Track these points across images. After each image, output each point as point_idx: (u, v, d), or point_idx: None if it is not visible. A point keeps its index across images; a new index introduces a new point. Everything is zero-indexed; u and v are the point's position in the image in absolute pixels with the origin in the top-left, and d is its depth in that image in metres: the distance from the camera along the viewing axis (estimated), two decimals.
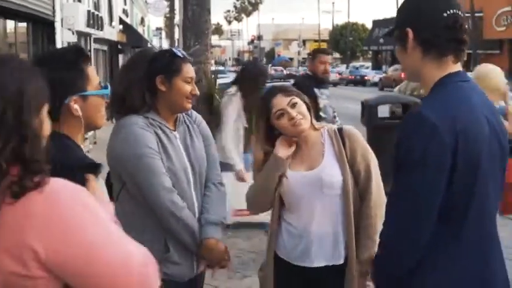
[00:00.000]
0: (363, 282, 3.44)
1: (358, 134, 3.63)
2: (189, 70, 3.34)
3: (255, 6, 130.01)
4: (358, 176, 3.52)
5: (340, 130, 3.62)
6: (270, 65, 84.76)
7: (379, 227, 3.30)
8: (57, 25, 13.70)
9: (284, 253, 3.61)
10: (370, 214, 3.47)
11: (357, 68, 68.80)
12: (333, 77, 60.25)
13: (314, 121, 3.62)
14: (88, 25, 16.71)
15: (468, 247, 2.35)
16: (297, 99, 3.52)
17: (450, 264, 2.34)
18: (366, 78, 60.41)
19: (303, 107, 3.52)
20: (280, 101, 3.50)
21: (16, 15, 12.51)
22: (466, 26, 2.41)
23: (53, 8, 13.55)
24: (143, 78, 3.29)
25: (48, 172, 1.81)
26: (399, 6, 2.59)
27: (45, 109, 1.89)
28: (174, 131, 3.40)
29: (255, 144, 3.63)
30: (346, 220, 3.49)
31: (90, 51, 19.26)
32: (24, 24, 13.40)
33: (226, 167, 6.32)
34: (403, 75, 53.97)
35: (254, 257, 7.21)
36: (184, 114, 3.48)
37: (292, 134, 3.53)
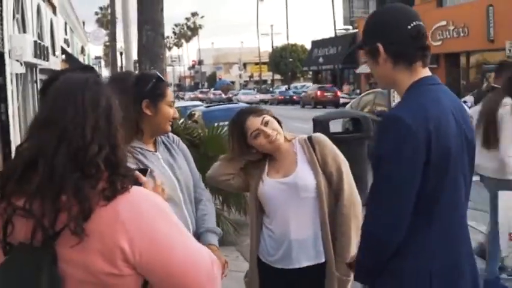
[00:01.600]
0: (343, 277, 3.66)
1: (327, 140, 3.86)
2: (171, 94, 3.41)
3: (194, 32, 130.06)
4: (331, 178, 3.74)
5: (309, 138, 3.84)
6: (212, 89, 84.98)
7: (353, 224, 3.58)
8: (6, 56, 13.60)
9: (266, 257, 3.81)
10: (344, 212, 3.70)
11: (298, 89, 69.68)
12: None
13: (286, 133, 3.84)
14: (35, 56, 16.59)
15: (439, 234, 2.61)
16: (268, 117, 3.75)
17: (422, 250, 2.59)
18: (294, 98, 61.88)
19: (275, 123, 3.76)
20: (254, 122, 3.72)
21: None
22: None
23: (1, 39, 13.46)
24: (134, 102, 3.28)
25: (131, 177, 2.03)
26: (365, 24, 2.84)
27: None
28: (155, 152, 3.43)
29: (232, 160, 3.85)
30: (322, 220, 3.70)
31: (36, 82, 19.09)
32: None
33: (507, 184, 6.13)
34: (319, 93, 55.34)
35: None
36: (162, 136, 3.53)
37: (270, 150, 3.78)
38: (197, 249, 2.05)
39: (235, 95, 72.06)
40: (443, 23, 40.65)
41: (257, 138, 3.70)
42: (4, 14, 13.71)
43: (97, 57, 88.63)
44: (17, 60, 14.71)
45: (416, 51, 2.68)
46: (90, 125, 1.99)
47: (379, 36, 2.70)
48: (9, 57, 14.41)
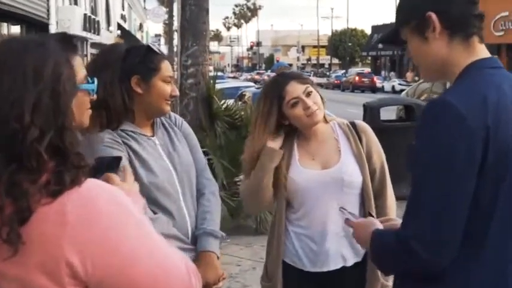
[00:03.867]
0: (384, 281, 3.25)
1: (372, 131, 3.41)
2: (168, 68, 2.96)
3: (253, 13, 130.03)
4: (373, 176, 3.31)
5: (353, 125, 3.37)
6: (268, 71, 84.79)
7: None
8: (52, 28, 13.45)
9: (295, 260, 3.33)
10: (387, 214, 3.25)
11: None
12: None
13: (327, 113, 3.36)
14: (84, 29, 16.49)
15: (490, 263, 2.07)
16: (311, 88, 3.26)
17: (465, 283, 2.05)
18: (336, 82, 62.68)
19: (317, 97, 3.26)
20: (295, 89, 3.23)
21: (10, 17, 12.28)
22: None
23: (48, 10, 13.32)
24: (120, 79, 2.87)
25: (88, 169, 1.61)
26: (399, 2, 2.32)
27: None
28: (152, 136, 3.00)
29: (257, 136, 3.25)
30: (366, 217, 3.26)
31: (86, 55, 19.02)
32: (18, 27, 13.17)
33: None
34: (357, 78, 55.84)
35: (254, 265, 6.94)
36: (162, 117, 3.09)
37: (306, 125, 3.27)
38: (169, 257, 1.64)
39: None
40: (506, 13, 39.30)
41: (294, 107, 3.21)
42: None
43: (157, 35, 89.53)
44: None
45: (473, 20, 2.14)
46: (30, 101, 1.56)
47: (430, 2, 2.16)
48: (57, 28, 14.29)
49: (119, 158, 2.00)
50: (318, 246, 3.27)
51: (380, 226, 2.35)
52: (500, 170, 2.01)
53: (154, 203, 2.82)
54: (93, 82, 2.18)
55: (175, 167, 2.97)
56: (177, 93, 3.00)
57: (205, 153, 8.33)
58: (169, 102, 2.95)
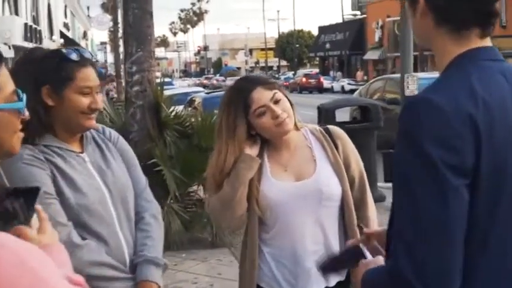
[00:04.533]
0: None
1: (347, 136, 3.08)
2: (87, 77, 2.59)
3: (200, 17, 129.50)
4: (352, 185, 3.00)
5: (327, 130, 3.05)
6: (217, 75, 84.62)
7: None
8: None
9: (273, 284, 2.97)
10: (369, 226, 2.97)
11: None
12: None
13: (297, 119, 3.01)
14: (25, 39, 15.92)
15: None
16: (280, 94, 2.91)
17: None
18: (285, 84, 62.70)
19: (286, 103, 2.92)
20: (262, 96, 2.88)
21: None
22: None
23: None
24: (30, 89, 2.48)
25: None
26: None
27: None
28: (81, 153, 2.67)
29: (224, 151, 2.90)
30: (348, 233, 2.96)
31: None
32: None
33: None
34: (304, 79, 56.51)
35: (212, 282, 6.55)
36: (93, 131, 2.76)
37: (275, 135, 2.93)
38: None
39: None
40: None
41: (261, 117, 2.86)
42: None
43: (102, 43, 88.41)
44: (5, 44, 14.03)
45: (471, 13, 1.76)
46: None
47: None
48: None
49: (36, 190, 1.59)
50: (297, 267, 2.92)
51: (372, 263, 1.98)
52: (495, 179, 1.66)
53: (83, 228, 2.53)
54: (22, 99, 1.79)
55: (109, 186, 2.66)
56: (99, 106, 2.61)
57: (155, 164, 8.03)
58: (90, 115, 2.60)
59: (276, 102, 2.88)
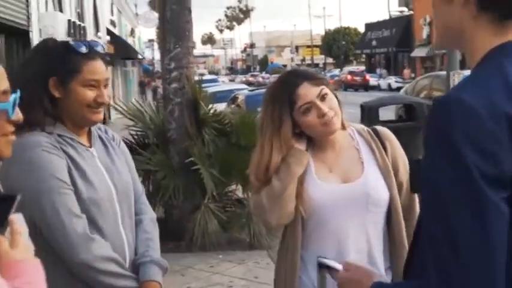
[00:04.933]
0: None
1: (396, 138, 2.87)
2: (94, 70, 2.55)
3: (246, 14, 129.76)
4: (400, 191, 2.79)
5: (375, 131, 2.85)
6: (263, 72, 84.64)
7: None
8: (34, 35, 12.98)
9: None
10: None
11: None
12: None
13: (344, 118, 2.81)
14: (69, 35, 15.98)
15: None
16: (327, 90, 2.72)
17: None
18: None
19: (334, 101, 2.73)
20: (308, 92, 2.69)
21: None
22: None
23: (28, 17, 12.79)
24: (38, 79, 2.53)
25: None
26: None
27: None
28: (90, 147, 2.64)
29: (268, 150, 2.74)
30: (395, 242, 2.76)
31: None
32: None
33: None
34: (349, 77, 56.04)
35: (248, 285, 6.36)
36: (96, 128, 2.75)
37: (321, 134, 2.75)
38: None
39: None
40: None
41: (307, 114, 2.69)
42: None
43: (150, 40, 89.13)
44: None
45: None
46: None
47: None
48: (40, 36, 13.89)
49: (12, 199, 1.42)
50: None
51: (378, 276, 1.76)
52: None
53: (91, 222, 2.49)
54: (12, 100, 1.62)
55: (115, 184, 2.63)
56: (105, 99, 2.58)
57: (193, 163, 7.89)
58: (97, 110, 2.57)
59: (323, 99, 2.69)
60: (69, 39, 2.63)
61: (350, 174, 2.75)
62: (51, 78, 2.51)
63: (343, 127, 2.80)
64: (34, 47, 2.81)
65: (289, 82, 2.75)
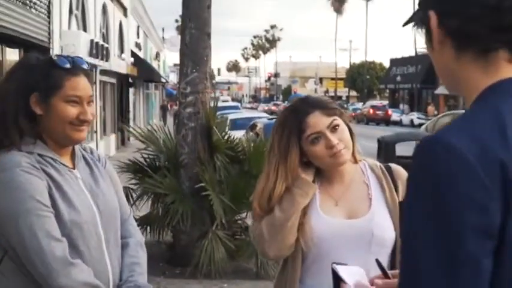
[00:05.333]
0: None
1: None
2: (77, 86, 2.45)
3: (272, 44, 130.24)
4: None
5: (388, 169, 2.74)
6: (286, 102, 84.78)
7: None
8: (55, 53, 13.06)
9: None
10: None
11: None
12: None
13: (357, 151, 2.72)
14: (91, 55, 16.04)
15: None
16: (339, 121, 2.63)
17: None
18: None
19: (345, 132, 2.63)
20: (319, 121, 2.60)
21: (7, 40, 11.81)
22: None
23: (49, 34, 12.86)
24: (19, 94, 2.45)
25: None
26: None
27: None
28: (73, 169, 2.52)
29: (273, 176, 2.65)
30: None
31: (95, 82, 18.63)
32: (16, 51, 12.70)
33: None
34: (371, 111, 55.86)
35: None
36: (81, 148, 2.64)
37: (329, 165, 2.64)
38: None
39: None
40: None
41: (315, 144, 2.60)
42: (52, 8, 13.05)
43: (175, 65, 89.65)
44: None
45: (495, 34, 1.41)
46: None
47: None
48: (62, 53, 13.94)
49: None
50: None
51: None
52: None
53: (72, 246, 2.37)
54: None
55: (99, 207, 2.51)
56: (88, 117, 2.47)
57: (204, 189, 7.82)
58: (79, 127, 2.46)
59: (334, 130, 2.59)
60: (54, 56, 2.55)
61: (356, 210, 2.64)
62: (33, 94, 2.42)
63: (355, 160, 2.71)
64: (17, 62, 2.74)
65: (300, 109, 2.66)
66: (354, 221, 2.62)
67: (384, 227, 2.61)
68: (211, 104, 8.41)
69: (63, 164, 2.48)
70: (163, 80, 54.06)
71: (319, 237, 2.60)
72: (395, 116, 57.85)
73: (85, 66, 2.49)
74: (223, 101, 53.00)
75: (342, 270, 2.02)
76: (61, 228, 2.35)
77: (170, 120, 37.21)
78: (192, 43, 8.07)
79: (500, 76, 1.41)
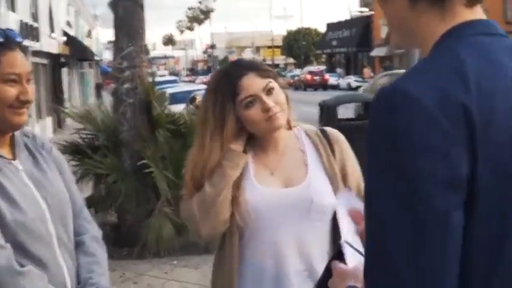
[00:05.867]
0: None
1: (345, 140, 2.63)
2: (14, 62, 2.15)
3: (206, 15, 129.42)
4: None
5: (324, 133, 2.61)
6: None
7: None
8: None
9: None
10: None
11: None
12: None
13: (291, 116, 2.56)
14: (21, 36, 15.53)
15: None
16: (274, 84, 2.47)
17: None
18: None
19: (281, 95, 2.48)
20: (253, 83, 2.43)
21: None
22: None
23: None
24: None
25: None
26: None
27: None
28: (13, 160, 2.24)
29: (209, 146, 2.44)
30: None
31: None
32: None
33: None
34: (308, 77, 56.47)
35: None
36: (23, 136, 2.34)
37: (264, 131, 2.48)
38: None
39: None
40: None
41: (249, 108, 2.44)
42: None
43: (110, 42, 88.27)
44: None
45: None
46: None
47: None
48: None
49: None
50: (278, 285, 2.46)
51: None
52: (500, 185, 1.20)
53: (20, 250, 2.10)
54: None
55: (47, 201, 2.23)
56: (28, 97, 2.18)
57: (146, 166, 7.64)
58: (20, 110, 2.17)
59: (269, 92, 2.44)
60: None
61: (293, 178, 2.51)
62: None
63: (289, 127, 2.57)
64: None
65: (233, 72, 2.49)
66: (291, 189, 2.48)
67: (322, 193, 2.48)
68: (149, 79, 8.20)
69: (1, 156, 2.20)
70: (98, 58, 53.17)
71: (255, 209, 2.45)
72: (332, 80, 58.35)
73: (19, 40, 2.20)
74: (161, 76, 52.44)
75: (348, 252, 1.86)
76: (4, 232, 2.08)
77: (108, 98, 36.68)
78: (125, 16, 7.83)
79: (458, 21, 1.30)
